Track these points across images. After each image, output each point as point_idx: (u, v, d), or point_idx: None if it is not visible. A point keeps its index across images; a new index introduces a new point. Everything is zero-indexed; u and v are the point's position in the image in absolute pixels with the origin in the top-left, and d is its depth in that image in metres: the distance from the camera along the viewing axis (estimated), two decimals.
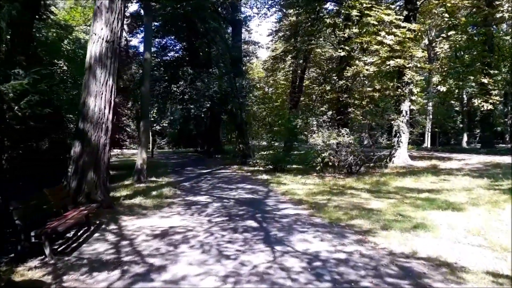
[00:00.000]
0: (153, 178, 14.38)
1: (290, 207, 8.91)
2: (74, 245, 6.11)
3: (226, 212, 8.41)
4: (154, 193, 11.02)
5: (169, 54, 30.41)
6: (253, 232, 6.65)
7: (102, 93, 8.26)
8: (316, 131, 16.18)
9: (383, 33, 14.97)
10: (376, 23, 14.66)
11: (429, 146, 36.99)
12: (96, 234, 6.71)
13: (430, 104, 34.14)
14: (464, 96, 35.71)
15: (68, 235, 6.62)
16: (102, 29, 8.32)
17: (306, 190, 11.37)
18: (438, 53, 23.95)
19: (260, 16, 26.33)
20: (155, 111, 27.24)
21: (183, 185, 13.30)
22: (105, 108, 8.34)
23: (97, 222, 7.51)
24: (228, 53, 23.22)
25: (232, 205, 9.32)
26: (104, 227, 7.25)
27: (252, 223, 7.30)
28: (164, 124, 31.96)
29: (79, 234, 6.71)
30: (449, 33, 16.64)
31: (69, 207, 7.06)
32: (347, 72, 16.07)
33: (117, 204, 9.26)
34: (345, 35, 15.39)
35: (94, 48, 8.32)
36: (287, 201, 9.85)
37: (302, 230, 6.68)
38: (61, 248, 5.94)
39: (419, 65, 17.87)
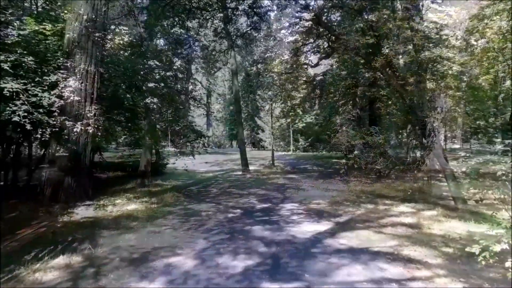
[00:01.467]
0: (159, 181, 13.09)
1: (308, 221, 7.34)
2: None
3: (229, 228, 6.88)
4: (153, 199, 9.65)
5: (184, 50, 29.23)
6: (257, 258, 5.09)
7: (81, 81, 6.89)
8: (340, 130, 14.46)
9: (417, 19, 13.09)
10: (410, 6, 12.82)
11: (461, 146, 34.38)
12: (61, 257, 5.30)
13: (462, 102, 31.67)
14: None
15: (26, 257, 5.26)
16: (81, 5, 6.96)
17: (328, 198, 9.75)
18: (474, 47, 21.69)
19: (280, 9, 24.60)
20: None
21: (190, 190, 11.95)
22: (86, 100, 6.98)
23: (70, 238, 6.14)
24: (243, 48, 21.73)
25: (239, 217, 7.80)
26: (75, 245, 5.86)
27: (258, 245, 5.72)
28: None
29: (39, 256, 5.34)
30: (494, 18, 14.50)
31: (32, 222, 5.73)
32: (375, 63, 14.24)
33: (103, 214, 7.88)
34: (373, 17, 13.57)
35: (73, 28, 6.96)
36: (305, 212, 8.24)
37: (322, 257, 5.08)
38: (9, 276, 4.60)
39: (457, 57, 15.81)
